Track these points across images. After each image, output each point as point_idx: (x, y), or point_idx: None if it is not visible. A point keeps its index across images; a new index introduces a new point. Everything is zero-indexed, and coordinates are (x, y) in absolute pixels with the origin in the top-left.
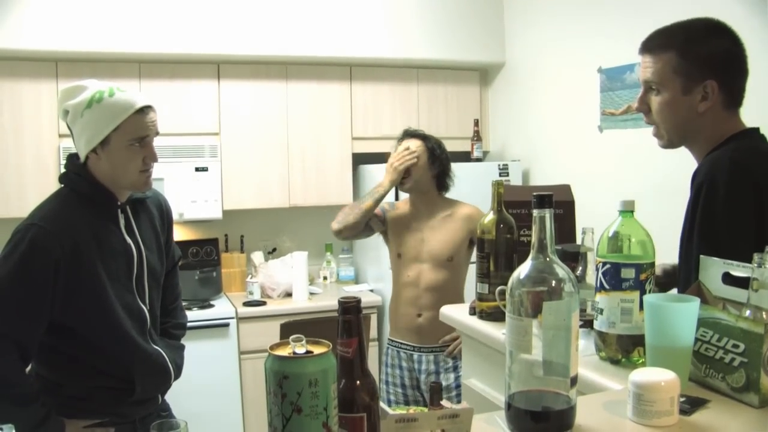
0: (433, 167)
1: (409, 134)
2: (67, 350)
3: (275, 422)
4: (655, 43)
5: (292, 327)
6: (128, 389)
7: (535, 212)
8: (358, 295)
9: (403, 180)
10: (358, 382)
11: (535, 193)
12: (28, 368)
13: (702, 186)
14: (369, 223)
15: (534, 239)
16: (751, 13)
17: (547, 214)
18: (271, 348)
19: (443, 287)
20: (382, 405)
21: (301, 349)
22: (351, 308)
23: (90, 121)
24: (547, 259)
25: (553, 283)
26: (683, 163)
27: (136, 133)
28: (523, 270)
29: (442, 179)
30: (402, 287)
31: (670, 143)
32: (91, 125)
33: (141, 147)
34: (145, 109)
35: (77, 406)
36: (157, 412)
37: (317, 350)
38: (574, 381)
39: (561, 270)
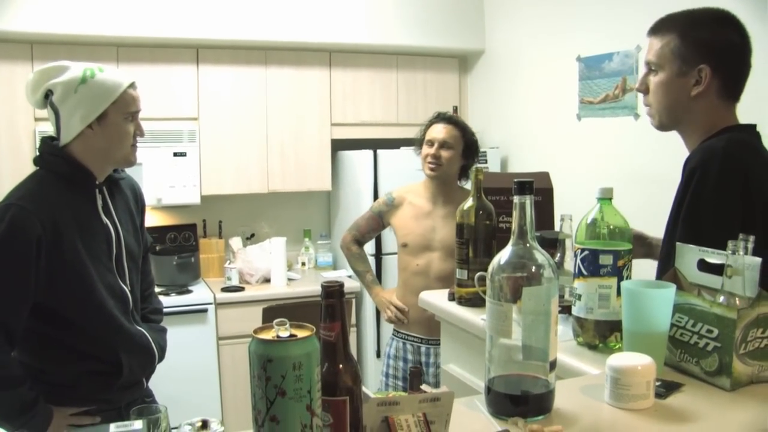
0: (463, 159)
1: (445, 119)
2: (50, 334)
3: (259, 405)
4: (660, 26)
5: (275, 311)
6: (114, 373)
7: (516, 199)
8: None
9: (432, 169)
10: (340, 365)
11: (516, 180)
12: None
13: (694, 172)
14: (367, 237)
15: (514, 225)
16: (748, 12)
17: (528, 200)
18: (255, 332)
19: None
20: (364, 389)
21: (284, 333)
22: (334, 292)
23: (86, 96)
24: (527, 245)
25: (533, 268)
26: (659, 151)
27: (130, 107)
28: (503, 256)
29: (466, 170)
30: (410, 276)
31: (661, 124)
32: (87, 100)
33: (131, 122)
34: (134, 84)
35: (62, 394)
36: (141, 398)
37: (301, 334)
38: (553, 365)
39: (541, 256)
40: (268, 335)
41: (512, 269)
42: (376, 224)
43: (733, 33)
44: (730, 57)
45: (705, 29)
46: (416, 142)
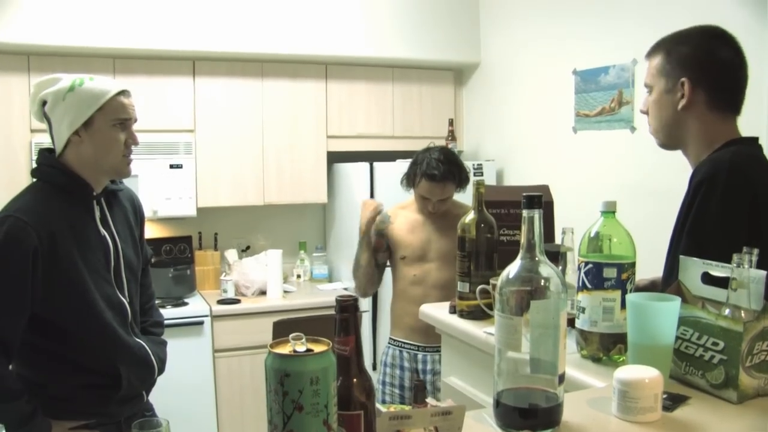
0: (457, 191)
1: (438, 178)
2: (48, 347)
3: (276, 420)
4: (652, 49)
5: (285, 325)
6: (113, 386)
7: (525, 213)
8: (332, 293)
9: (432, 214)
10: (354, 379)
11: (524, 194)
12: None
13: (701, 185)
14: (379, 262)
15: (523, 239)
16: (749, 16)
17: (536, 214)
18: (272, 346)
19: (452, 285)
20: (376, 404)
21: (301, 347)
22: (348, 306)
23: (73, 103)
24: (536, 258)
25: (542, 282)
26: (656, 164)
27: (118, 114)
28: (512, 269)
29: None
30: (408, 285)
31: (662, 143)
32: (74, 106)
33: (123, 130)
34: (125, 92)
35: (61, 407)
36: (141, 411)
37: (317, 348)
38: (561, 379)
39: (549, 270)
40: (284, 350)
41: (521, 283)
42: (379, 244)
43: (720, 46)
44: (712, 69)
45: (686, 44)
46: (406, 180)
